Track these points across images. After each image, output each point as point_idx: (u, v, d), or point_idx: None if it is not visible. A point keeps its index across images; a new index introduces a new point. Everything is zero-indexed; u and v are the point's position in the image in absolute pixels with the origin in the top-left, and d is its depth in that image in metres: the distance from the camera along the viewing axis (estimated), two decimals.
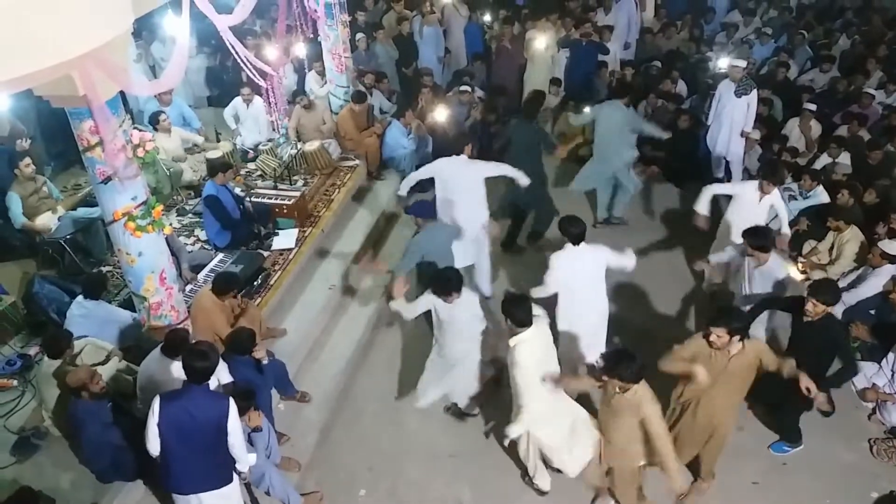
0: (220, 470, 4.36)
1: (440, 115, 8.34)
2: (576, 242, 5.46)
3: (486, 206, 6.77)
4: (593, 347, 5.75)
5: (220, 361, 5.12)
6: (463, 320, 5.28)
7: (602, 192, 8.42)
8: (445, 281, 5.12)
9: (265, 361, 5.36)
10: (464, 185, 6.55)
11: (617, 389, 4.31)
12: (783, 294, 5.58)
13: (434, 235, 6.07)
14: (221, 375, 5.12)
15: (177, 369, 4.66)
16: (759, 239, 5.49)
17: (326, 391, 6.18)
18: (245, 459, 4.41)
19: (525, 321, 4.53)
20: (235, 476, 4.45)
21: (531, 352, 4.55)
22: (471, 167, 6.63)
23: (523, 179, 6.69)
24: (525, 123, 7.62)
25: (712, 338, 4.47)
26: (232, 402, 4.20)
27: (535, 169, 7.42)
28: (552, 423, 4.78)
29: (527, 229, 8.19)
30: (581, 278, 5.51)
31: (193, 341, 4.78)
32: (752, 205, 6.37)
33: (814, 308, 4.87)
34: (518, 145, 7.49)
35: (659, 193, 9.22)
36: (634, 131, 8.08)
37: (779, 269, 5.58)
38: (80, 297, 5.76)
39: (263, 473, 4.89)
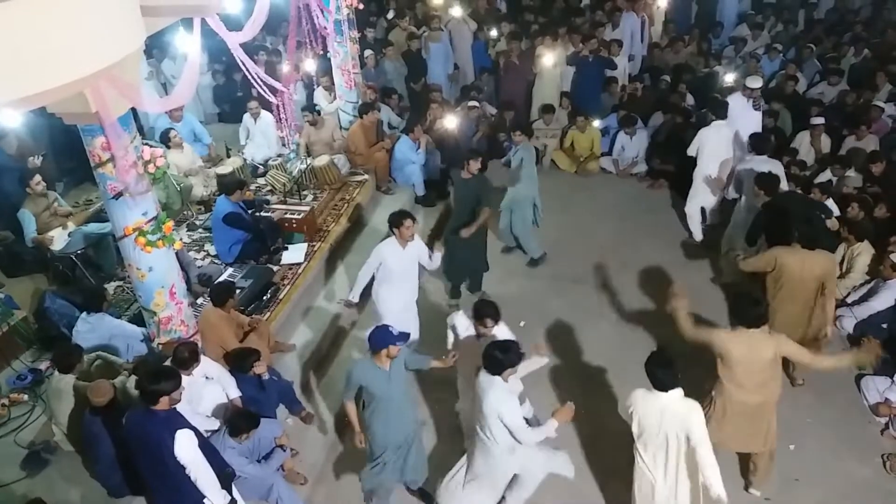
0: (184, 494, 4.21)
1: (450, 123, 8.34)
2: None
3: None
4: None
5: (229, 376, 5.20)
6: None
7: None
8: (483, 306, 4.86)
9: (265, 377, 5.40)
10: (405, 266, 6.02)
11: None
12: None
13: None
14: (230, 390, 5.18)
15: (185, 383, 4.67)
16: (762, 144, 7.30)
17: (335, 405, 6.17)
18: (212, 496, 4.22)
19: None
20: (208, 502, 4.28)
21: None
22: (410, 249, 5.96)
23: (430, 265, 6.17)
24: (467, 179, 7.00)
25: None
26: (182, 434, 4.03)
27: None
28: None
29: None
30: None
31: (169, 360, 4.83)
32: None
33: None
34: (458, 201, 7.16)
35: (667, 206, 9.20)
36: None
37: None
38: (83, 314, 5.80)
39: (272, 485, 4.92)
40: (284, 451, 5.13)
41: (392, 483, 5.01)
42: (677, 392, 4.22)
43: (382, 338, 4.57)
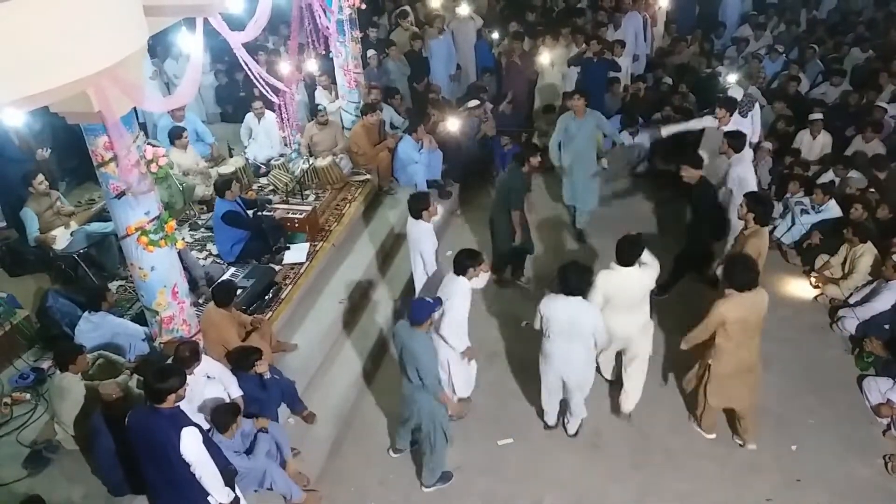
0: (189, 492, 4.22)
1: (451, 125, 8.36)
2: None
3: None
4: None
5: (231, 375, 5.21)
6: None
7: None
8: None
9: (266, 376, 5.41)
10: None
11: None
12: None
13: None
14: (231, 389, 5.18)
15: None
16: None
17: (337, 405, 6.19)
18: (217, 493, 4.26)
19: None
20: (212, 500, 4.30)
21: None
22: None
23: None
24: (512, 169, 7.28)
25: None
26: (188, 432, 4.06)
27: (504, 218, 7.30)
28: None
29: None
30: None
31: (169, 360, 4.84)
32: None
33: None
34: (508, 189, 7.22)
35: (669, 207, 9.20)
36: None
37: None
38: (85, 313, 5.82)
39: (265, 471, 4.98)
40: (266, 432, 5.14)
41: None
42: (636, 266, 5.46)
43: (425, 308, 4.99)
